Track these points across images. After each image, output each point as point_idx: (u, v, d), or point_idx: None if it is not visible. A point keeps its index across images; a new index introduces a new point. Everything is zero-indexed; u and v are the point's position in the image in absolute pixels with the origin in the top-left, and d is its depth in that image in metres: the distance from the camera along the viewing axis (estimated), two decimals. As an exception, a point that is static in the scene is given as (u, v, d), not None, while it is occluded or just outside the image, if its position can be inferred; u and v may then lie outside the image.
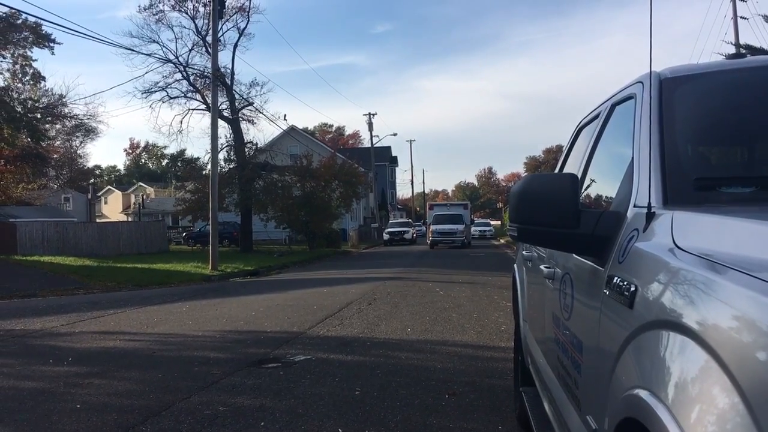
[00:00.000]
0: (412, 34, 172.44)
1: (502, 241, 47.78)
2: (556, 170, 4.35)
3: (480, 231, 55.97)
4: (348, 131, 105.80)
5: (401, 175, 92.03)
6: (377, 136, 62.39)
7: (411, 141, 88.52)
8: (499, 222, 77.43)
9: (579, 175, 3.17)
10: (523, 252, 4.58)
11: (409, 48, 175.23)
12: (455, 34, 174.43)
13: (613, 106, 3.04)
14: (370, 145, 61.67)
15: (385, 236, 49.25)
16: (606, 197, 2.92)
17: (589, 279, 2.32)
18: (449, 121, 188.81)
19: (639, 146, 2.32)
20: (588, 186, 3.21)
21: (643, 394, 1.46)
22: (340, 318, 10.80)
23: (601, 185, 3.11)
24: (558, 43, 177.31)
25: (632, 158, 2.36)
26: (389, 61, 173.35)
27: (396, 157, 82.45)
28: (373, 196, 63.88)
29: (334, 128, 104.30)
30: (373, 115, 60.32)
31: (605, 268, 2.10)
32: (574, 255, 2.59)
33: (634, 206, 2.14)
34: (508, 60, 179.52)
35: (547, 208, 2.25)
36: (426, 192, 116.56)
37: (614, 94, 3.10)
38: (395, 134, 76.15)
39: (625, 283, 1.81)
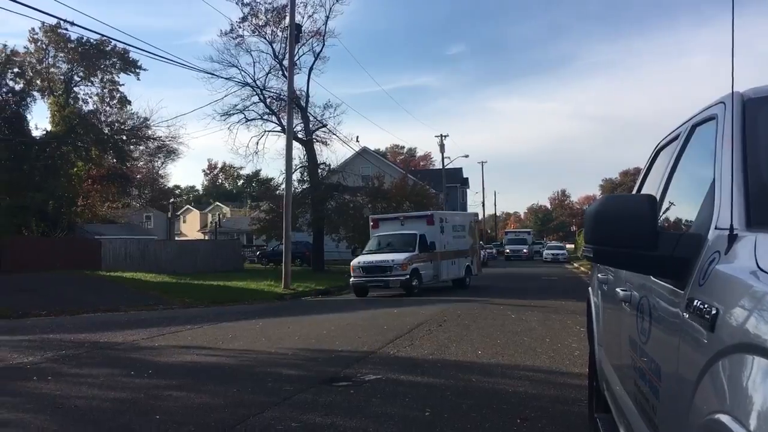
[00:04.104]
0: (486, 56, 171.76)
1: (576, 264, 46.76)
2: (634, 192, 4.28)
3: (553, 254, 55.07)
4: (419, 153, 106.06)
5: (472, 197, 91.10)
6: (449, 157, 62.24)
7: (482, 163, 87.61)
8: (572, 245, 75.78)
9: (657, 197, 3.11)
10: (599, 275, 4.50)
11: (483, 69, 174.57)
12: (530, 55, 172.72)
13: (693, 127, 2.98)
14: (441, 167, 61.64)
15: (456, 258, 48.75)
16: (686, 220, 2.86)
17: (668, 302, 2.28)
18: (522, 142, 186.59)
19: (721, 167, 2.27)
20: (667, 208, 3.15)
21: (724, 419, 1.43)
22: (410, 339, 10.81)
23: (681, 207, 3.05)
24: (636, 63, 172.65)
25: (713, 180, 2.32)
26: (462, 82, 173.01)
27: (467, 178, 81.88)
28: (444, 217, 63.67)
29: (405, 150, 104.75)
30: (445, 136, 60.32)
31: (685, 291, 2.06)
32: (651, 277, 2.54)
33: (716, 228, 2.09)
34: (584, 80, 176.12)
35: (625, 229, 2.23)
36: (497, 214, 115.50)
37: (694, 114, 3.04)
38: (467, 156, 75.39)
39: (706, 306, 1.78)
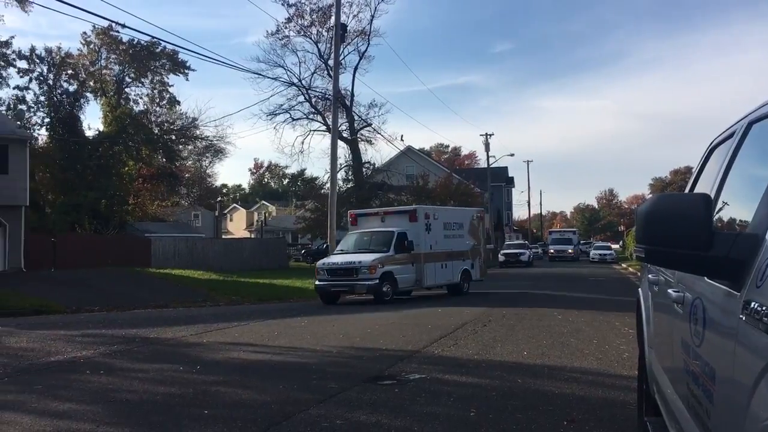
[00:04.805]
0: (533, 53, 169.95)
1: (624, 265, 45.94)
2: (686, 191, 4.18)
3: (600, 255, 54.03)
4: (464, 152, 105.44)
5: (518, 196, 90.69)
6: (494, 156, 61.85)
7: (528, 161, 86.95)
8: (620, 245, 74.33)
9: (711, 196, 3.03)
10: (649, 276, 4.41)
11: (529, 67, 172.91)
12: (578, 53, 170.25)
13: (749, 125, 2.90)
14: (486, 166, 61.26)
15: (501, 258, 48.55)
16: (740, 220, 2.78)
17: (723, 304, 2.22)
18: (569, 141, 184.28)
19: (779, 165, 2.21)
20: (720, 208, 3.06)
21: (784, 425, 1.39)
22: (454, 338, 10.77)
23: (736, 207, 2.96)
24: (688, 59, 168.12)
25: (771, 178, 2.25)
26: (508, 80, 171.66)
27: (512, 177, 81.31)
28: (489, 217, 63.34)
29: (450, 149, 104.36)
30: (490, 135, 59.91)
31: (741, 293, 2.00)
32: (705, 278, 2.48)
33: (774, 228, 2.03)
34: (634, 78, 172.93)
35: (678, 228, 2.18)
36: (543, 214, 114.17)
37: (751, 111, 2.95)
38: (512, 155, 74.49)
39: (764, 308, 1.73)
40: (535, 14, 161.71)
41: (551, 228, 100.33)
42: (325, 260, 20.37)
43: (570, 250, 57.61)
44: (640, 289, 5.08)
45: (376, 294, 18.94)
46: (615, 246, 71.03)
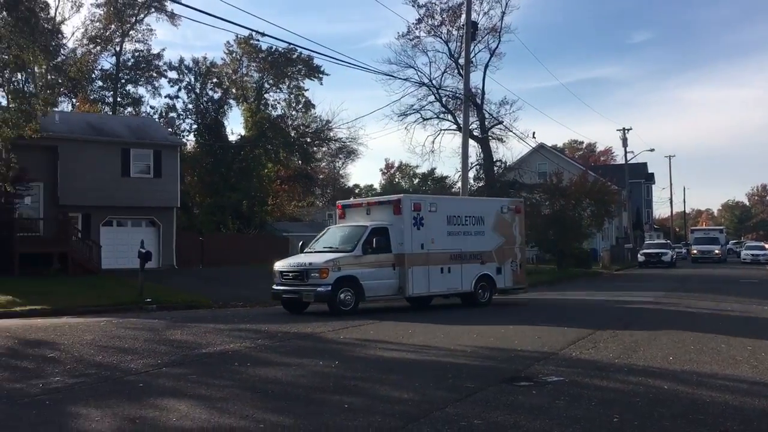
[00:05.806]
0: (674, 42, 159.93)
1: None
2: None
3: (753, 255, 50.15)
4: (599, 147, 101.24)
5: (658, 193, 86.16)
6: (632, 152, 59.25)
7: (670, 157, 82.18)
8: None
9: None
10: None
11: (670, 57, 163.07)
12: (724, 39, 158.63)
13: None
14: (623, 162, 58.67)
15: (640, 258, 46.33)
16: None
17: None
18: (715, 134, 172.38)
19: None
20: None
21: None
22: (593, 341, 10.43)
23: None
24: None
25: None
26: (646, 71, 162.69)
27: (652, 174, 77.39)
28: (627, 215, 60.63)
29: (584, 145, 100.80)
30: (628, 130, 57.17)
31: None
32: None
33: None
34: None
35: None
36: (687, 211, 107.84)
37: None
38: (652, 150, 70.13)
39: None
40: (676, 0, 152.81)
41: (695, 226, 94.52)
42: (282, 261, 16.89)
43: (716, 251, 53.20)
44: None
45: (330, 303, 15.05)
46: None
